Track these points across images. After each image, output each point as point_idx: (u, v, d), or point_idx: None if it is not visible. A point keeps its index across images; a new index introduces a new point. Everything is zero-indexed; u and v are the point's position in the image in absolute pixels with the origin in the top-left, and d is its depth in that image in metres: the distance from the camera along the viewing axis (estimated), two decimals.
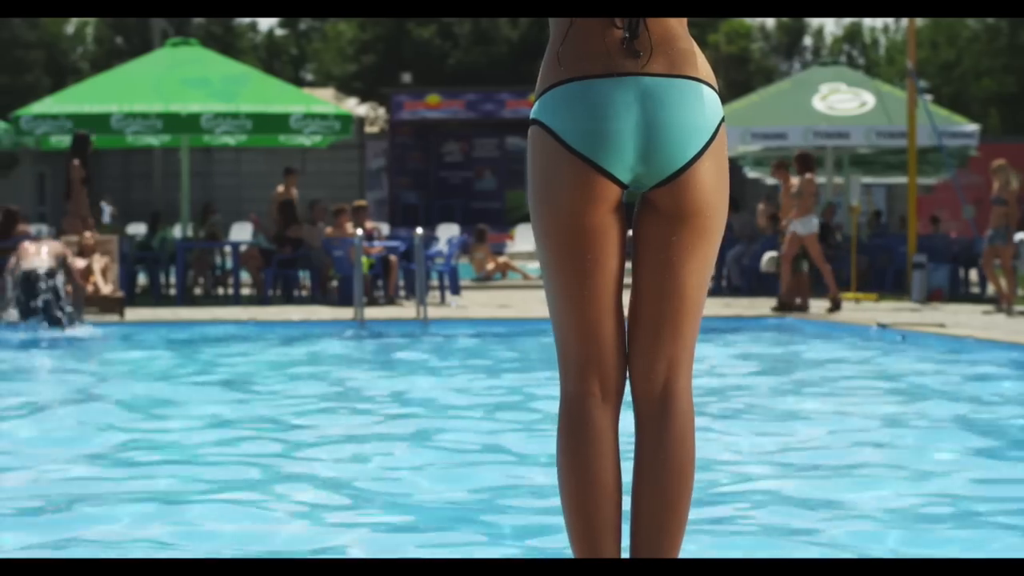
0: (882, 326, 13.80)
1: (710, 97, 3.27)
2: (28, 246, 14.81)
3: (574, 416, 3.34)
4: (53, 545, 4.94)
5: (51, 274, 14.35)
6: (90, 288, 15.88)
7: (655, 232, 3.28)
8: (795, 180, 16.14)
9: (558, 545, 4.78)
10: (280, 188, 19.35)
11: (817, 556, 4.72)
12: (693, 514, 3.52)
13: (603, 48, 3.23)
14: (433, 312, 15.65)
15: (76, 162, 16.11)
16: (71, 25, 58.34)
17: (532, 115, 3.31)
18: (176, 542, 4.99)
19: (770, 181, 30.91)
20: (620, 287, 3.36)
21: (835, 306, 16.03)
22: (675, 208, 3.25)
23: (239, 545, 4.94)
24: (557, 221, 3.26)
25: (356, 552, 4.85)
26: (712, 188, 3.26)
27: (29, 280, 14.30)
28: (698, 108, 3.24)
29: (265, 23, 67.26)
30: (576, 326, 3.33)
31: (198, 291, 20.07)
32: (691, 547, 4.48)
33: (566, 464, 3.33)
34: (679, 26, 3.28)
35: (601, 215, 3.24)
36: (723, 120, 3.29)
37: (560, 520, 3.41)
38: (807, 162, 16.19)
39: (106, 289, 16.16)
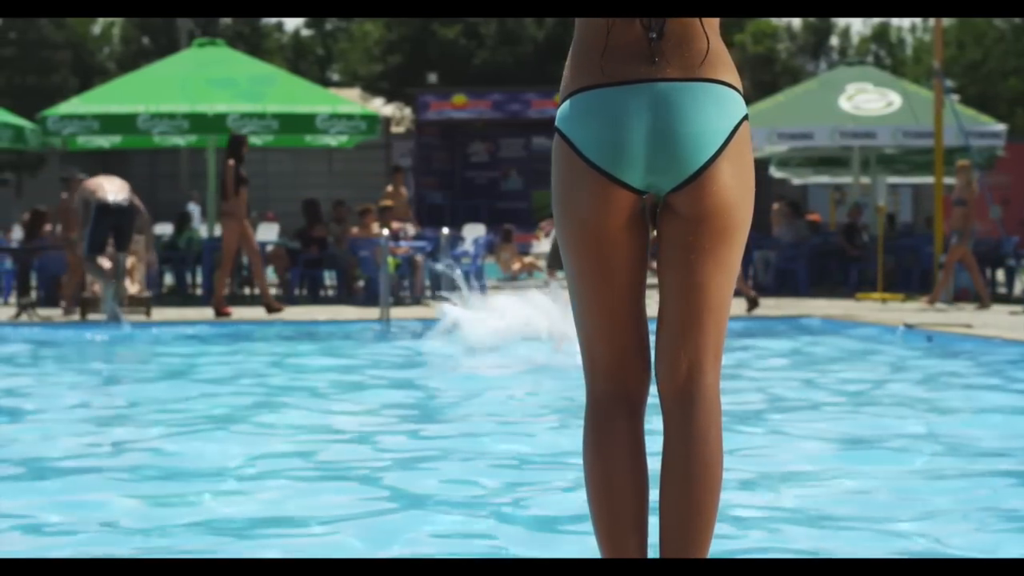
0: (909, 327, 13.76)
1: (728, 96, 3.23)
2: (101, 181, 14.96)
3: (599, 419, 3.35)
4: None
5: (131, 207, 14.63)
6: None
7: (675, 233, 3.28)
8: None
9: (585, 547, 4.78)
10: (389, 188, 19.38)
11: (827, 557, 4.70)
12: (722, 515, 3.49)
13: (622, 53, 3.22)
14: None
15: (231, 162, 15.84)
16: (98, 25, 58.63)
17: (556, 122, 3.32)
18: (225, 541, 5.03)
19: (796, 181, 30.89)
20: (643, 290, 3.37)
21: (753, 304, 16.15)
22: (693, 211, 3.23)
23: (265, 540, 4.96)
24: (578, 232, 3.28)
25: (386, 553, 4.85)
26: (730, 189, 3.23)
27: (108, 210, 14.43)
28: (713, 110, 3.20)
29: (291, 23, 67.46)
30: (600, 331, 3.35)
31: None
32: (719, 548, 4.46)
33: (591, 466, 3.34)
34: (699, 26, 3.23)
35: (620, 224, 3.26)
36: (744, 118, 3.26)
37: (588, 521, 3.41)
38: None
39: (133, 289, 16.22)
